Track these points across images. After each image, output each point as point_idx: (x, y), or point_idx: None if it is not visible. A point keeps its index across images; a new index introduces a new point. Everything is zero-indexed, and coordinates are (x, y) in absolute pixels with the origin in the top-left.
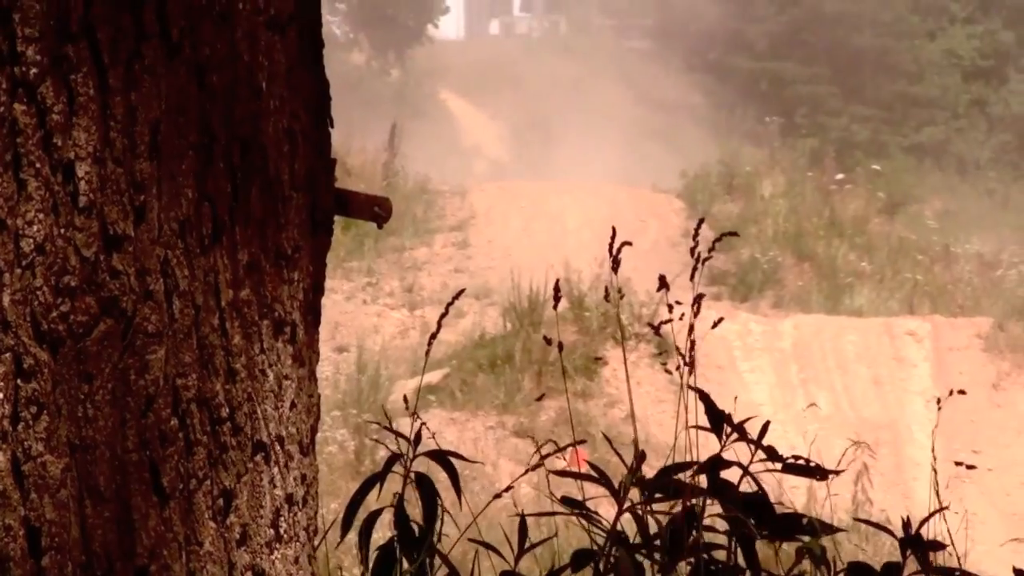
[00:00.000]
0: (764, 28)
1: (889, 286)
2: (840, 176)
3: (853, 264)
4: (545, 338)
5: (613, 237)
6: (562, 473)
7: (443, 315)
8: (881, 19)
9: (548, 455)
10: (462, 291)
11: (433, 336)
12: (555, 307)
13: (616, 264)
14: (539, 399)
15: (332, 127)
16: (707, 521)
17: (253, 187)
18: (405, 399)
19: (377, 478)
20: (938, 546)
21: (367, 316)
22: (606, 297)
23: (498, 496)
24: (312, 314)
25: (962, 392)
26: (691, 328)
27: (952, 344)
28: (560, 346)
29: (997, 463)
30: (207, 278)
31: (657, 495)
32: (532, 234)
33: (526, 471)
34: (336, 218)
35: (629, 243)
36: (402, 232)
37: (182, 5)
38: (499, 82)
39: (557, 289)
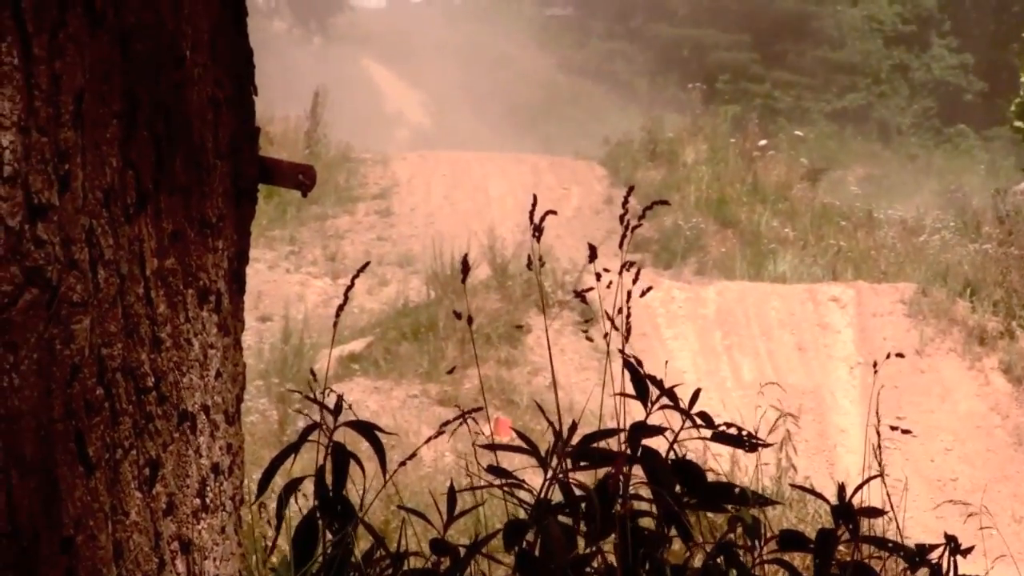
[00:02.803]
0: None
1: (812, 252)
2: (763, 142)
3: (776, 230)
4: (455, 313)
5: (534, 205)
6: (492, 447)
7: (349, 288)
8: None
9: (459, 416)
10: (367, 264)
11: (340, 308)
12: (463, 281)
13: (539, 232)
14: (450, 372)
15: (256, 95)
16: (639, 489)
17: (177, 156)
18: (313, 374)
19: (294, 448)
20: (877, 512)
21: (290, 285)
22: (528, 265)
23: (406, 461)
24: (237, 283)
25: (900, 355)
26: (628, 295)
27: (875, 310)
28: (470, 320)
29: (921, 429)
30: (132, 247)
31: (583, 463)
32: (455, 202)
33: (436, 434)
34: (259, 186)
35: (553, 212)
36: (325, 201)
37: None
38: (421, 50)
39: (465, 264)
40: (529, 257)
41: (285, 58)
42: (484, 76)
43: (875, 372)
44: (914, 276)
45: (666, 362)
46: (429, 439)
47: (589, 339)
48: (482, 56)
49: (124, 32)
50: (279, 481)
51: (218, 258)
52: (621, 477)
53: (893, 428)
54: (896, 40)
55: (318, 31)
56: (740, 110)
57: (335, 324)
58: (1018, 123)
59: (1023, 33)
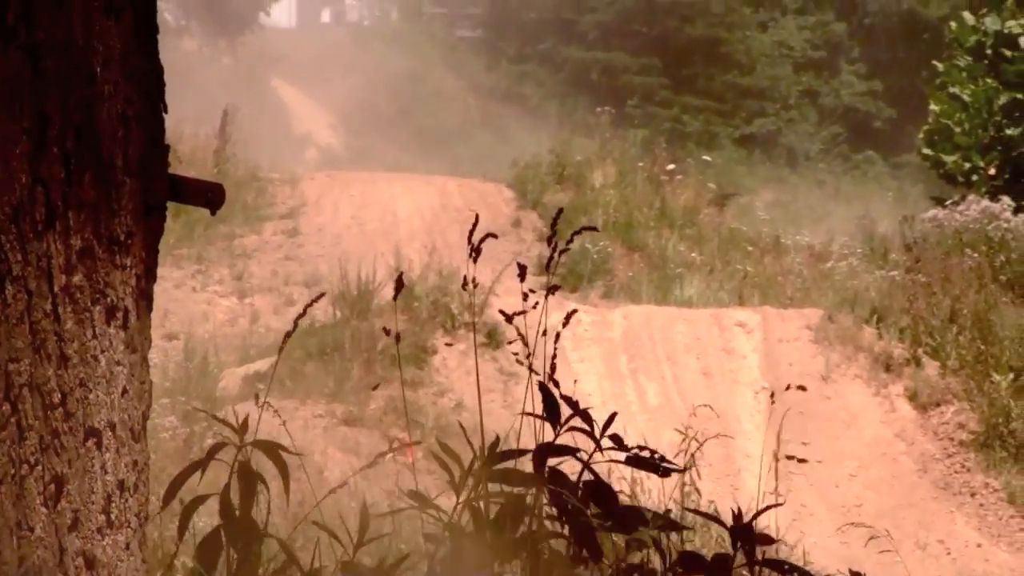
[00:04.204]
0: (595, 18)
1: (719, 277)
2: (671, 167)
3: (683, 255)
4: (384, 329)
5: (475, 225)
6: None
7: (298, 316)
8: (713, 10)
9: (385, 453)
10: (321, 295)
11: (288, 335)
12: (395, 298)
13: (476, 255)
14: (374, 388)
15: (166, 113)
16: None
17: (87, 172)
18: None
19: (199, 464)
20: (767, 540)
21: (196, 303)
22: (464, 285)
23: (334, 492)
24: (144, 300)
25: (801, 388)
26: (567, 319)
27: (782, 335)
28: (398, 337)
29: (826, 455)
30: (40, 263)
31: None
32: (362, 223)
33: (365, 467)
34: (168, 204)
35: (494, 235)
36: (232, 220)
37: None
38: (330, 70)
39: (399, 282)
40: (464, 279)
41: (195, 77)
42: (393, 97)
43: (772, 402)
44: (821, 302)
45: (575, 381)
46: (363, 468)
47: (520, 362)
48: (391, 78)
49: (35, 48)
50: (186, 499)
51: (126, 275)
52: (531, 499)
53: (789, 457)
54: (805, 66)
55: (227, 50)
56: (649, 134)
57: (281, 347)
58: (926, 150)
59: (933, 61)
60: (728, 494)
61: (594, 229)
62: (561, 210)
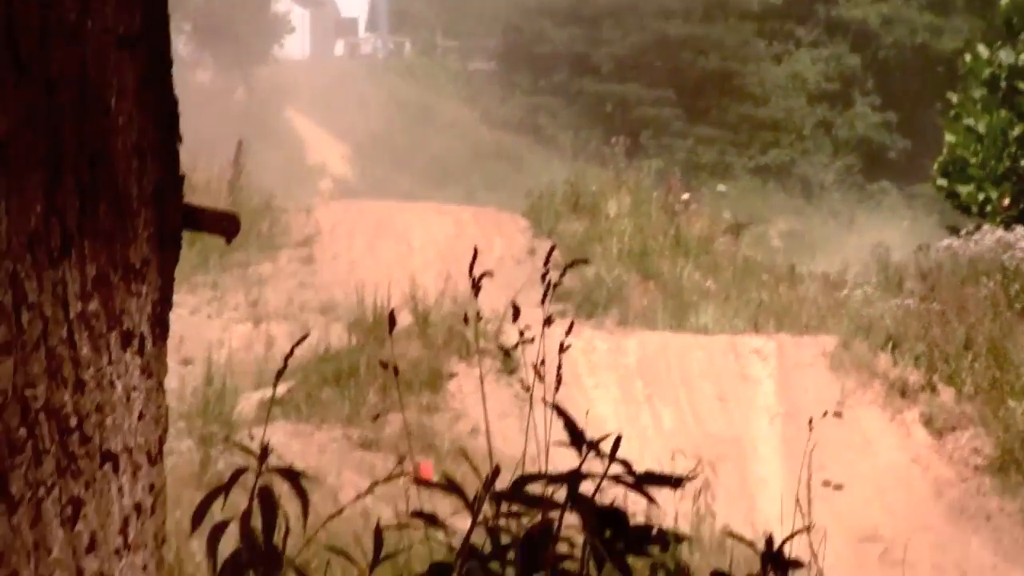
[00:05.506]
0: (609, 51)
1: (734, 305)
2: (685, 196)
3: (698, 283)
4: (381, 362)
5: (474, 258)
6: (421, 483)
7: (295, 344)
8: (727, 43)
9: (396, 474)
10: (305, 336)
11: (281, 371)
12: (390, 332)
13: (477, 290)
14: (375, 418)
15: (181, 143)
16: (564, 534)
17: (102, 202)
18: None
19: (222, 490)
20: (796, 564)
21: (212, 330)
22: (465, 320)
23: (340, 512)
24: (160, 327)
25: (838, 415)
26: (562, 347)
27: (797, 362)
28: (396, 370)
29: (842, 480)
30: (56, 290)
31: (514, 508)
32: (377, 251)
33: (373, 484)
34: (183, 233)
35: (490, 274)
36: (247, 247)
37: (32, 22)
38: (344, 102)
39: (392, 318)
40: (466, 313)
41: (209, 108)
42: (407, 129)
43: (810, 429)
44: (836, 329)
45: (587, 412)
46: (367, 492)
47: (525, 389)
48: (405, 109)
49: (50, 81)
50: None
51: (142, 302)
52: (551, 522)
53: (826, 484)
54: (820, 97)
55: (242, 82)
56: (663, 164)
57: (275, 381)
58: (941, 181)
59: (947, 93)
60: (743, 518)
61: (585, 262)
62: (554, 247)
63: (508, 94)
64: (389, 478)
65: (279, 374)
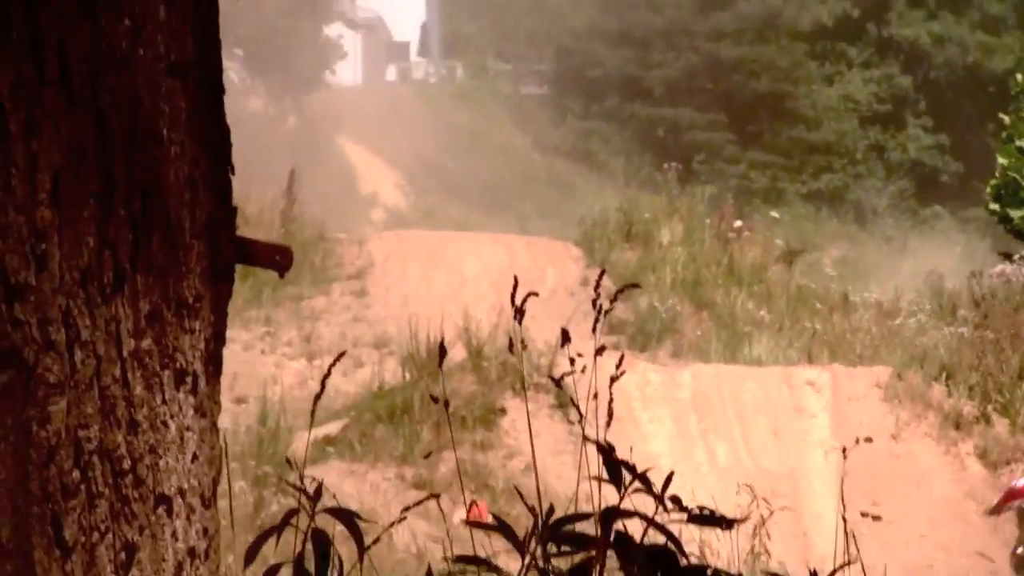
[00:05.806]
0: (661, 74)
1: (788, 335)
2: (738, 223)
3: (751, 313)
4: (432, 397)
5: (516, 287)
6: (470, 524)
7: (326, 376)
8: (778, 65)
9: (425, 499)
10: (343, 354)
11: (317, 397)
12: (440, 365)
13: (520, 315)
14: (426, 456)
15: (233, 174)
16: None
17: (154, 235)
18: (289, 461)
19: (273, 531)
20: None
21: (265, 366)
22: (510, 348)
23: (373, 543)
24: (213, 364)
25: (868, 440)
26: (612, 380)
27: (851, 394)
28: (447, 404)
29: (897, 514)
30: (108, 328)
31: (564, 548)
32: (430, 283)
33: (405, 510)
34: (236, 267)
35: (535, 294)
36: (300, 281)
37: (83, 51)
38: (396, 128)
39: (442, 349)
40: (510, 339)
41: (261, 136)
42: (459, 155)
43: (844, 457)
44: (889, 360)
45: (631, 448)
46: (393, 524)
47: (571, 422)
48: (457, 135)
49: (101, 110)
50: (254, 568)
51: (195, 339)
52: (592, 562)
53: (864, 515)
54: (872, 120)
55: (293, 109)
56: (716, 190)
57: (312, 411)
58: (993, 205)
59: (999, 114)
60: (798, 555)
61: (636, 286)
62: (603, 272)
63: (560, 119)
64: (419, 503)
65: (317, 398)
